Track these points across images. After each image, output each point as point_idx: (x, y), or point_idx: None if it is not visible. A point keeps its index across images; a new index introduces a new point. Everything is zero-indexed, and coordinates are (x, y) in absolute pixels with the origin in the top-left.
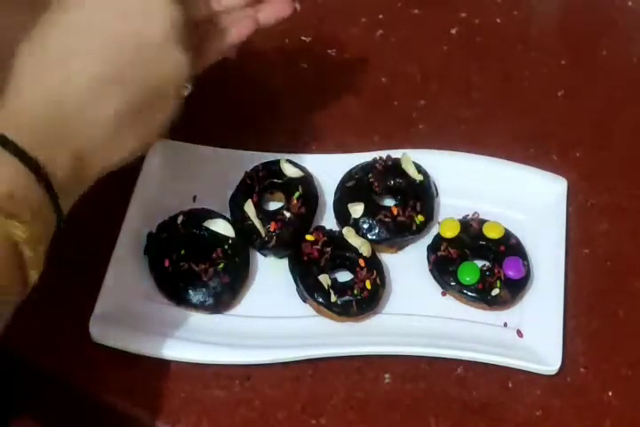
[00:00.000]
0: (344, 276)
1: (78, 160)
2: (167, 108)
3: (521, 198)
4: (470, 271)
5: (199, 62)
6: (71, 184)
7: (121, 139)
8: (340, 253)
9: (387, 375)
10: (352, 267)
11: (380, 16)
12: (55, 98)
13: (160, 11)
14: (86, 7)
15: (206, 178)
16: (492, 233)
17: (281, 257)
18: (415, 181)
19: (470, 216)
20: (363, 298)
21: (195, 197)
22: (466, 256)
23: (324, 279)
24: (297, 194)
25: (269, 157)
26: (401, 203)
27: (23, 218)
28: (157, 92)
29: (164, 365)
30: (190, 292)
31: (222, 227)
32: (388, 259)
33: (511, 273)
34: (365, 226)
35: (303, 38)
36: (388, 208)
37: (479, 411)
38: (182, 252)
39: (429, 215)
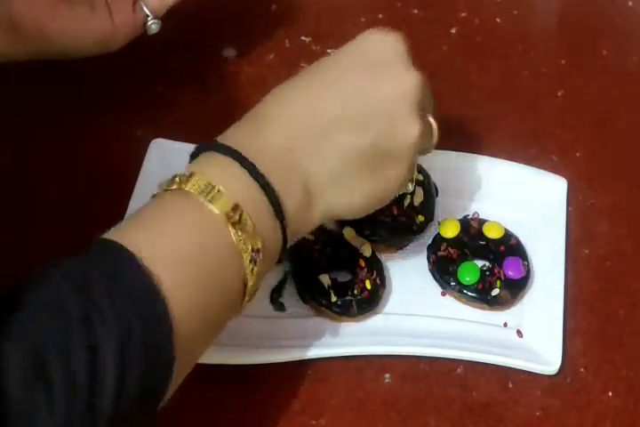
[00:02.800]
0: (344, 276)
1: (306, 195)
2: (400, 168)
3: (521, 198)
4: (470, 271)
5: (164, 1)
6: (297, 220)
7: (347, 185)
8: (340, 253)
9: (387, 375)
10: (352, 267)
11: (380, 16)
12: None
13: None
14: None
15: None
16: (491, 233)
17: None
18: (415, 181)
19: (470, 216)
20: (363, 298)
21: None
22: (466, 256)
23: (325, 279)
24: None
25: None
26: (401, 203)
27: (249, 232)
28: (391, 147)
29: None
30: None
31: None
32: (388, 259)
33: (511, 273)
34: (365, 226)
35: (303, 38)
36: (388, 208)
37: (479, 411)
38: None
39: (429, 215)
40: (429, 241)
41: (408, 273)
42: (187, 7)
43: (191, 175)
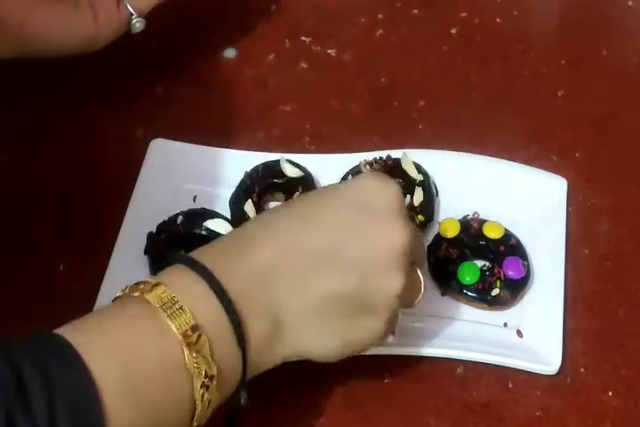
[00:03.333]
0: None
1: (275, 329)
2: (377, 320)
3: (521, 198)
4: (470, 271)
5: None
6: (261, 353)
7: (320, 327)
8: None
9: (387, 375)
10: None
11: (380, 16)
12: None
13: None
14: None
15: (206, 178)
16: (492, 233)
17: None
18: (415, 181)
19: (470, 216)
20: None
21: (195, 197)
22: (466, 256)
23: None
24: (297, 194)
25: (269, 157)
26: None
27: (205, 356)
28: (372, 297)
29: None
30: None
31: (222, 227)
32: None
33: (511, 273)
34: None
35: (303, 38)
36: None
37: (479, 411)
38: (182, 252)
39: (429, 215)
40: (429, 241)
41: None
42: (187, 7)
43: (156, 285)
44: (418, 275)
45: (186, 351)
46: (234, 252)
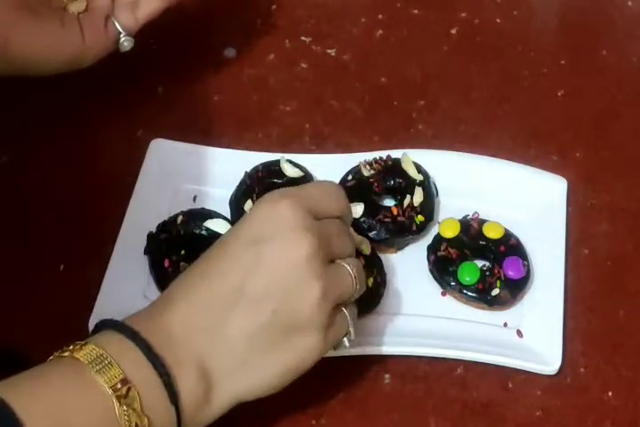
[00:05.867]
0: None
1: (204, 379)
2: (309, 333)
3: (521, 198)
4: (470, 271)
5: (138, 18)
6: (196, 405)
7: (254, 364)
8: None
9: (387, 375)
10: None
11: (380, 16)
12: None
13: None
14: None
15: (206, 178)
16: (491, 233)
17: None
18: (415, 180)
19: (470, 216)
20: (364, 297)
21: (195, 197)
22: (466, 256)
23: None
24: None
25: (269, 157)
26: (401, 203)
27: (136, 409)
28: (294, 315)
29: None
30: None
31: (222, 227)
32: (387, 259)
33: (511, 273)
34: (365, 226)
35: (303, 38)
36: (388, 208)
37: (479, 411)
38: (182, 252)
39: (429, 215)
40: (429, 241)
41: (408, 273)
42: (186, 7)
43: (85, 344)
44: (346, 269)
45: (116, 404)
46: (156, 313)
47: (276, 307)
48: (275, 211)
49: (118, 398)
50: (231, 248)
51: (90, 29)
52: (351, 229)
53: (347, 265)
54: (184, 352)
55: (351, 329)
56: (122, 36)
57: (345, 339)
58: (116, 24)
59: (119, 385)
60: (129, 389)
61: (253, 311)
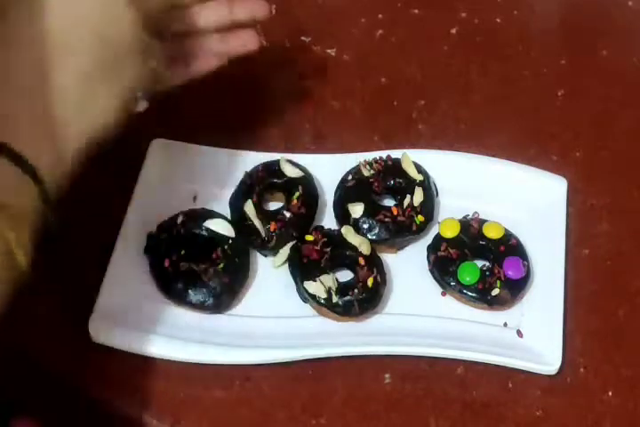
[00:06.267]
0: (344, 275)
1: (47, 122)
2: (135, 64)
3: (521, 198)
4: (470, 271)
5: (165, 79)
6: (49, 158)
7: (91, 98)
8: (339, 253)
9: (387, 375)
10: (352, 266)
11: (380, 16)
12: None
13: None
14: None
15: (206, 178)
16: (491, 233)
17: None
18: (415, 180)
19: (470, 216)
20: (364, 297)
21: (195, 197)
22: (466, 256)
23: (327, 281)
24: (297, 194)
25: (269, 157)
26: (401, 203)
27: None
28: (119, 48)
29: (163, 365)
30: (190, 292)
31: (222, 227)
32: (388, 259)
33: (511, 273)
34: (365, 226)
35: (303, 38)
36: (388, 208)
37: (479, 411)
38: (182, 252)
39: (429, 215)
40: (429, 241)
41: (408, 273)
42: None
43: None
44: None
45: None
46: None
47: (91, 47)
48: None
49: None
50: None
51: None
52: (350, 228)
53: None
54: (25, 114)
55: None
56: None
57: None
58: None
59: None
60: None
61: (78, 56)
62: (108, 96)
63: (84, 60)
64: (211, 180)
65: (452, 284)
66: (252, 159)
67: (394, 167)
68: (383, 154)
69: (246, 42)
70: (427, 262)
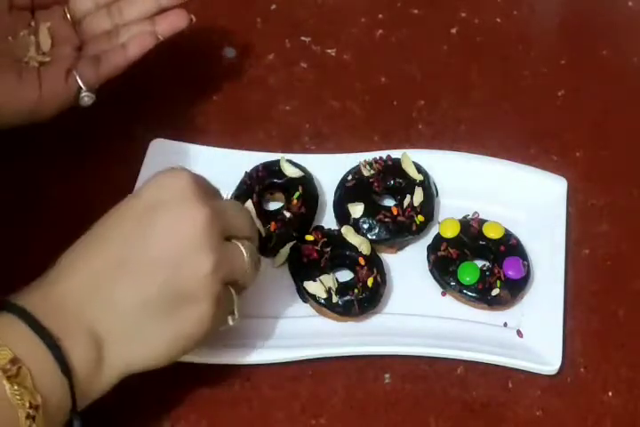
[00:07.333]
0: (344, 275)
1: (96, 348)
2: (199, 305)
3: (521, 198)
4: (470, 271)
5: (99, 74)
6: (88, 376)
7: (143, 334)
8: (339, 253)
9: (387, 375)
10: (352, 266)
11: (380, 16)
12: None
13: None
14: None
15: (206, 178)
16: (491, 233)
17: None
18: (415, 180)
19: (470, 216)
20: (364, 297)
21: None
22: (466, 256)
23: (327, 281)
24: (297, 194)
25: (269, 157)
26: (401, 203)
27: (28, 387)
28: (182, 287)
29: None
30: None
31: None
32: (388, 259)
33: (511, 273)
34: (365, 226)
35: (303, 38)
36: (388, 208)
37: (479, 411)
38: None
39: (429, 215)
40: (429, 241)
41: (408, 273)
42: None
43: None
44: (240, 249)
45: (7, 385)
46: (45, 284)
47: (167, 277)
48: (175, 180)
49: (9, 378)
50: (124, 215)
51: (49, 83)
52: (350, 228)
53: (241, 245)
54: (74, 321)
55: (235, 309)
56: (82, 91)
57: (229, 318)
58: (78, 79)
59: (9, 366)
60: (19, 368)
61: (143, 280)
62: (163, 334)
63: (153, 289)
64: (211, 180)
65: (452, 284)
66: (252, 159)
67: (394, 167)
68: (383, 154)
69: (176, 20)
70: (427, 262)
